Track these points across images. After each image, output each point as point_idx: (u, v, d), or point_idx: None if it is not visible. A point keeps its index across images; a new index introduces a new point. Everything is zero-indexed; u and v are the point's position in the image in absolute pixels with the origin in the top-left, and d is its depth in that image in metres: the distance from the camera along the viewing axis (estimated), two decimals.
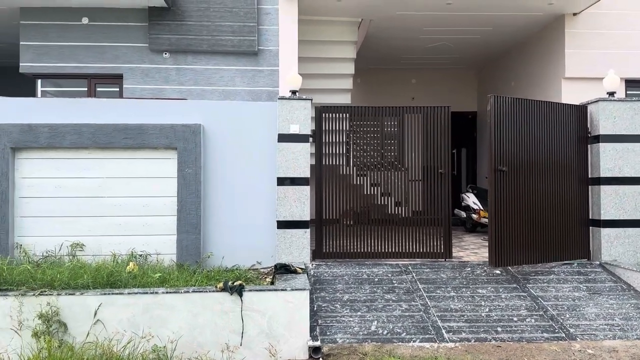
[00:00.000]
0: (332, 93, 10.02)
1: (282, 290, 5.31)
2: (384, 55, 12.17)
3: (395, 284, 6.31)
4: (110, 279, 5.36)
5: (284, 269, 6.16)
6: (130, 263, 5.93)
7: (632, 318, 5.73)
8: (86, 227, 6.41)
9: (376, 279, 6.43)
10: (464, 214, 10.45)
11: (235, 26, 8.71)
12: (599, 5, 9.09)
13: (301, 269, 6.25)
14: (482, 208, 9.95)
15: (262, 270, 6.64)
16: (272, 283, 6.02)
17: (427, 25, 9.93)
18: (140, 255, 6.37)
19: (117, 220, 6.46)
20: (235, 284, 5.29)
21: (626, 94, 9.50)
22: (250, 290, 5.26)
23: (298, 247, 6.71)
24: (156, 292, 5.16)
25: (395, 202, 7.44)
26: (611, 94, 7.20)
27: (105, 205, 6.46)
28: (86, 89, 8.83)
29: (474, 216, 10.06)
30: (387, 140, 7.60)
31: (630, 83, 9.50)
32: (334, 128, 7.23)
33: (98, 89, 8.86)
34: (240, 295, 5.19)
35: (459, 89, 13.75)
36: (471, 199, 10.35)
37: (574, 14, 9.38)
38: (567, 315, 5.77)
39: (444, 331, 5.37)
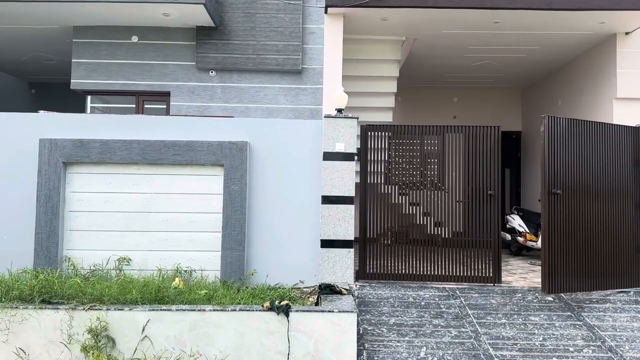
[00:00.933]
0: (374, 111, 9.93)
1: (329, 311, 5.20)
2: (426, 74, 12.04)
3: (443, 309, 6.12)
4: (158, 294, 5.36)
5: (328, 289, 6.06)
6: (176, 279, 5.94)
7: None
8: (134, 241, 6.47)
9: (423, 303, 6.26)
10: (508, 237, 10.13)
11: (280, 45, 8.77)
12: None
13: (346, 289, 6.13)
14: (527, 231, 9.64)
15: (304, 289, 6.56)
16: (316, 303, 5.92)
17: (472, 44, 9.78)
18: (185, 271, 6.38)
19: (164, 236, 6.50)
20: (281, 303, 5.22)
21: None
22: (296, 311, 5.17)
23: (342, 267, 6.60)
24: (203, 310, 5.14)
25: (436, 222, 7.26)
26: None
27: (152, 221, 6.51)
28: (134, 105, 9.02)
29: (520, 239, 9.75)
30: (429, 159, 7.46)
31: None
32: (379, 146, 7.14)
33: (146, 106, 9.04)
34: (287, 315, 5.12)
35: (502, 108, 13.47)
36: (516, 221, 10.05)
37: (626, 33, 9.09)
38: (627, 347, 5.47)
39: None
